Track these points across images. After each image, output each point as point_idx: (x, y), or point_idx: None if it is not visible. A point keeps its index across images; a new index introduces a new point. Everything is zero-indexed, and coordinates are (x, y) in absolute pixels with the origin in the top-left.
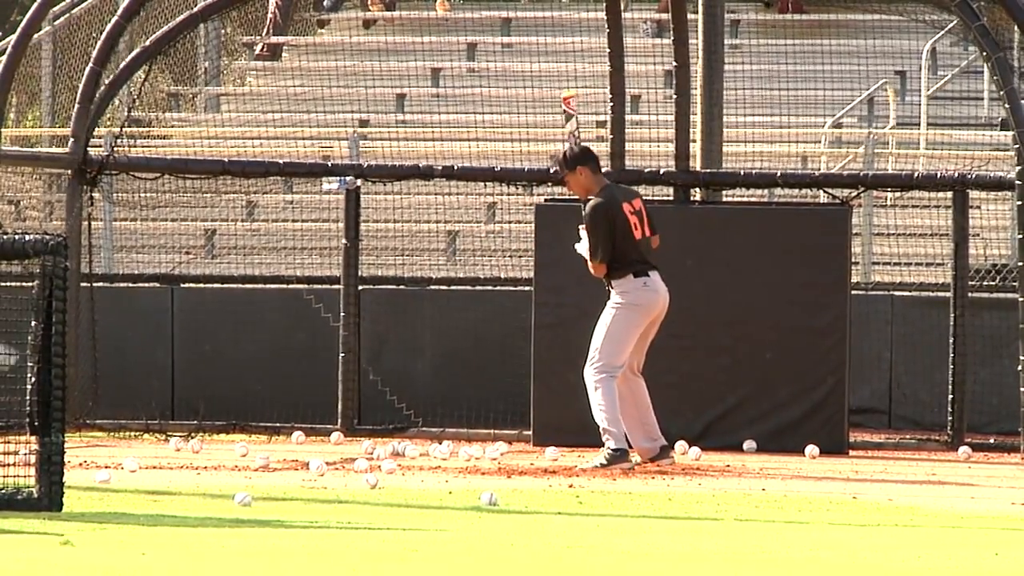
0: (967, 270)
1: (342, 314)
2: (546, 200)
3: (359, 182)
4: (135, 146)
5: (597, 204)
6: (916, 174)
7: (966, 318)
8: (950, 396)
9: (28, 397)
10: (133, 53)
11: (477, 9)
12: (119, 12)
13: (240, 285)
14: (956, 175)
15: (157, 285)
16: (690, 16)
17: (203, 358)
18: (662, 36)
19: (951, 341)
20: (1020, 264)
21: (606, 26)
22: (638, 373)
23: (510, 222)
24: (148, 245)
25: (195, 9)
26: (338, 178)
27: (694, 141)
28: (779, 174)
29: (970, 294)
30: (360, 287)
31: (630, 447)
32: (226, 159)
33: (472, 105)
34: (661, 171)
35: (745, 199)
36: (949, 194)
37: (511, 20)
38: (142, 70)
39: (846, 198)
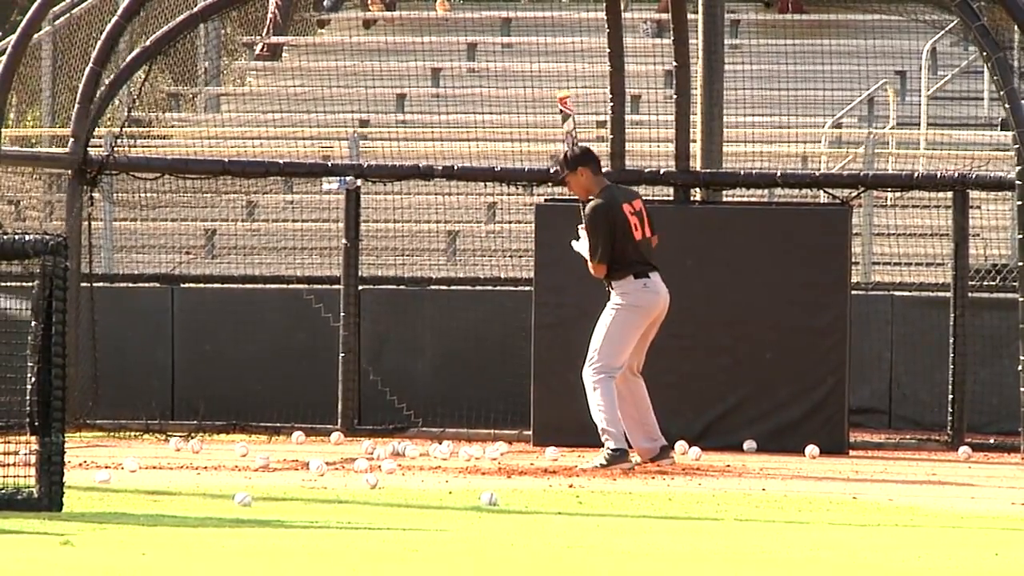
0: (967, 270)
1: (342, 314)
2: (546, 200)
3: (359, 182)
4: (135, 146)
5: (597, 205)
6: (916, 174)
7: (966, 318)
8: (950, 396)
9: (28, 397)
10: (133, 53)
11: (477, 9)
12: (119, 12)
13: (240, 285)
14: (956, 175)
15: (157, 285)
16: (690, 16)
17: (203, 358)
18: (662, 36)
19: (951, 341)
20: (1020, 264)
21: (606, 26)
22: (638, 373)
23: (510, 222)
24: (148, 245)
25: (195, 9)
26: (338, 178)
27: (694, 141)
28: (779, 174)
29: (970, 294)
30: (360, 287)
31: (630, 447)
32: (226, 159)
33: (472, 105)
34: (661, 171)
35: (745, 199)
36: (949, 194)
37: (511, 20)
38: (142, 70)
39: (846, 198)
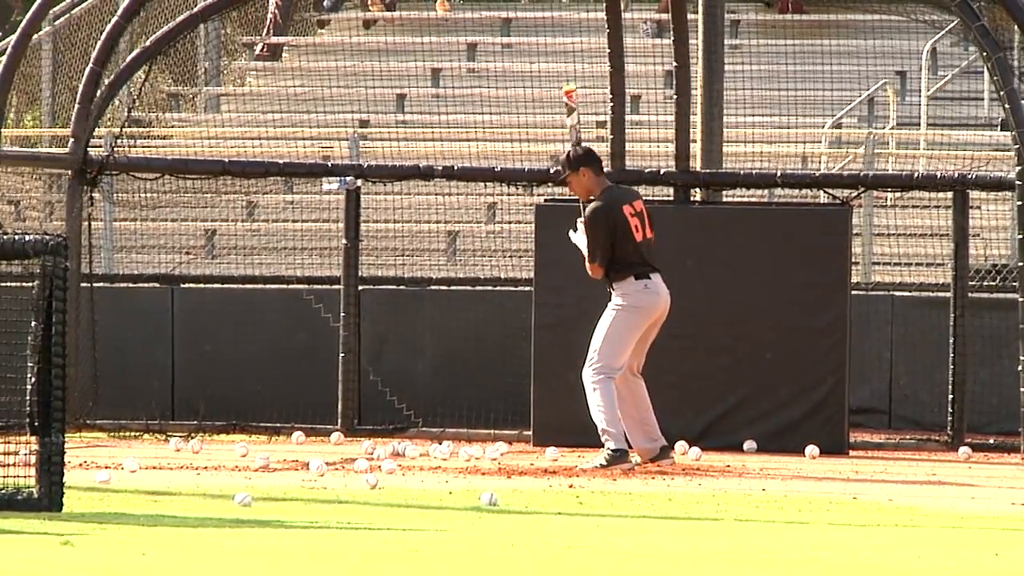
0: (967, 270)
1: (342, 314)
2: (546, 200)
3: (359, 182)
4: (135, 146)
5: (597, 207)
6: (916, 174)
7: (966, 318)
8: (950, 396)
9: (28, 397)
10: (133, 53)
11: (477, 9)
12: (119, 12)
13: (240, 285)
14: (956, 175)
15: (157, 285)
16: (690, 16)
17: (203, 358)
18: (662, 36)
19: (951, 341)
20: (1020, 264)
21: (606, 26)
22: (638, 374)
23: (510, 222)
24: (148, 245)
25: (195, 9)
26: (338, 178)
27: (694, 141)
28: (779, 174)
29: (970, 294)
30: (360, 287)
31: (630, 447)
32: (226, 159)
33: (472, 105)
34: (661, 171)
35: (745, 199)
36: (949, 194)
37: (511, 20)
38: (142, 70)
39: (846, 198)
